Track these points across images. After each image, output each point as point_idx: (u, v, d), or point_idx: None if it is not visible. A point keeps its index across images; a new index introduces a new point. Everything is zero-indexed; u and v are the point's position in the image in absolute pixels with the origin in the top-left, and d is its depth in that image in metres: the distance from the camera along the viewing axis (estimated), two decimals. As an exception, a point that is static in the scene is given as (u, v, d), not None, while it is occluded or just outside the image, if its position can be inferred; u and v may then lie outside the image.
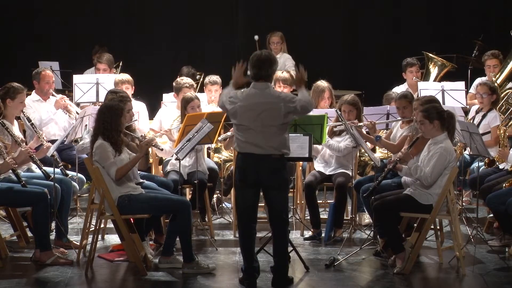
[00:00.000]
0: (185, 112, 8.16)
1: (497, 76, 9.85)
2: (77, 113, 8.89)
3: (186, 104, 8.23)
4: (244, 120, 6.46)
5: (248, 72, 6.63)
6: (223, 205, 9.11)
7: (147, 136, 8.35)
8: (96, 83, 9.19)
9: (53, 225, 7.69)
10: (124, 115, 7.11)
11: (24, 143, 7.68)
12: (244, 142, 6.47)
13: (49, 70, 9.27)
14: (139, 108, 8.98)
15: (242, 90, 6.56)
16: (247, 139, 6.45)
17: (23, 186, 7.16)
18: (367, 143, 8.06)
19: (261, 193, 6.64)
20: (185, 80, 8.98)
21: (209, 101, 9.23)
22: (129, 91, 9.02)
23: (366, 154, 8.31)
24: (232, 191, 8.58)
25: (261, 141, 6.42)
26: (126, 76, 9.13)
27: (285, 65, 11.06)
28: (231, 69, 6.71)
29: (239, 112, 6.47)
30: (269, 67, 6.52)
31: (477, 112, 8.98)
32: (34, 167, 7.75)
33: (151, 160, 8.54)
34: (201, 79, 10.66)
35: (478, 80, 9.94)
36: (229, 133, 8.18)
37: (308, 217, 8.20)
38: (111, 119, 6.98)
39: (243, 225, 6.61)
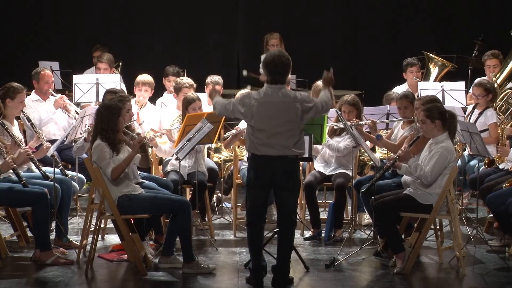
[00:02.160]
0: (186, 113, 8.16)
1: (497, 76, 9.85)
2: (77, 113, 8.89)
3: (187, 104, 8.23)
4: (260, 120, 6.44)
5: (261, 71, 6.64)
6: (223, 205, 9.11)
7: (147, 136, 8.37)
8: (96, 83, 9.18)
9: (53, 225, 7.69)
10: (123, 114, 7.09)
11: (23, 144, 7.67)
12: (260, 145, 6.45)
13: (48, 70, 9.27)
14: (151, 111, 9.00)
15: (258, 91, 6.56)
16: (263, 141, 6.44)
17: (24, 186, 7.16)
18: (367, 142, 8.06)
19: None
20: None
21: (209, 102, 9.23)
22: (148, 93, 9.05)
23: (366, 154, 8.31)
24: (233, 190, 8.59)
25: (277, 142, 6.42)
26: (149, 78, 9.15)
27: None
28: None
29: (255, 111, 6.44)
30: (285, 73, 6.54)
31: (473, 108, 8.97)
32: (34, 167, 7.75)
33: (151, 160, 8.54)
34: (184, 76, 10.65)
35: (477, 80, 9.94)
36: (233, 131, 8.18)
37: (308, 217, 8.21)
38: (107, 119, 6.97)
39: (253, 224, 6.61)
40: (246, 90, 8.80)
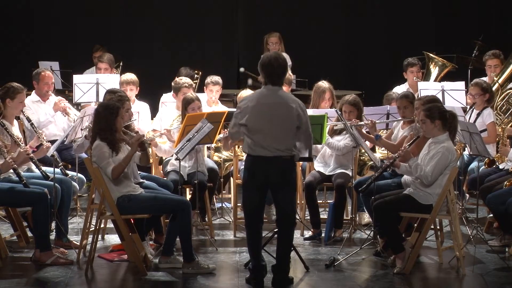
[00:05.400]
0: (185, 113, 8.16)
1: (499, 76, 9.84)
2: (76, 116, 8.87)
3: (187, 104, 8.23)
4: (254, 121, 6.43)
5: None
6: (223, 205, 9.11)
7: (147, 136, 8.37)
8: (96, 83, 9.17)
9: (53, 225, 7.69)
10: (121, 114, 7.06)
11: (23, 143, 7.67)
12: (255, 145, 6.44)
13: (49, 70, 9.25)
14: (140, 108, 8.98)
15: (254, 92, 6.54)
16: (257, 142, 6.42)
17: (25, 186, 7.16)
18: (367, 142, 8.06)
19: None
20: (184, 80, 8.97)
21: (209, 102, 9.23)
22: (134, 92, 9.02)
23: (366, 154, 8.31)
24: (232, 190, 8.58)
25: (271, 144, 6.41)
26: (132, 77, 9.13)
27: None
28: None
29: (249, 113, 6.44)
30: (282, 74, 6.50)
31: (470, 107, 8.96)
32: (34, 167, 7.74)
33: (151, 160, 8.53)
34: (199, 78, 10.65)
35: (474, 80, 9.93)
36: (221, 135, 8.16)
37: (308, 217, 8.21)
38: (105, 119, 6.96)
39: (251, 224, 6.61)
40: (247, 90, 8.79)
